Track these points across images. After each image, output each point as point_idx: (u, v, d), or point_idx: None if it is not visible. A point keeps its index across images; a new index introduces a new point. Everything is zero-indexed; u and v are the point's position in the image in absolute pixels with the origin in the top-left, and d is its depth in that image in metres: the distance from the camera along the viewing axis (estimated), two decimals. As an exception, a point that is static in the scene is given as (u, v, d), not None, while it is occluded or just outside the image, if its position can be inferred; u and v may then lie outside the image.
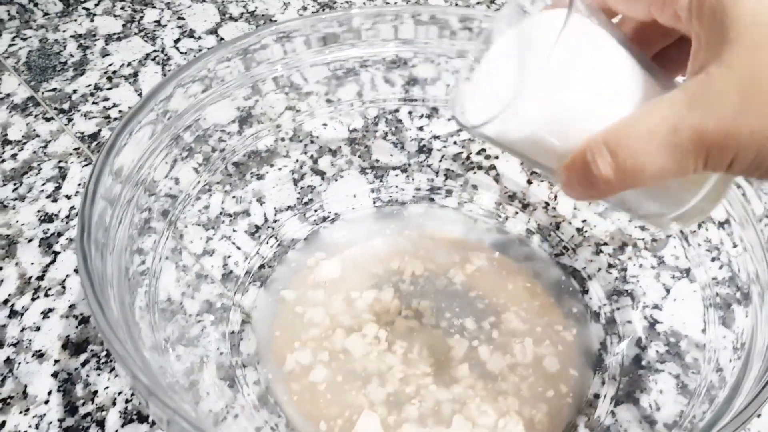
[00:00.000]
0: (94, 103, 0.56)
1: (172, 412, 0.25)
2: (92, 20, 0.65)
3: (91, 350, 0.40)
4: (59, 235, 0.46)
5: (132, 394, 0.38)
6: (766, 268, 0.36)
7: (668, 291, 0.43)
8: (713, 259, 0.41)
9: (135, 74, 0.59)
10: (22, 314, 0.42)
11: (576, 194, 0.26)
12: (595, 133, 0.25)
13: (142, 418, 0.37)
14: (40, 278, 0.44)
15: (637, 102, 0.25)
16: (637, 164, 0.24)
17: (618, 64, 0.26)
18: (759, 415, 0.40)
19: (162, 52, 0.62)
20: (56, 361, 0.40)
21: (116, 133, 0.36)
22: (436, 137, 0.53)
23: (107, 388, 0.39)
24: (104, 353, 0.40)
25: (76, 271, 0.44)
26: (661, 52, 0.29)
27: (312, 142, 0.51)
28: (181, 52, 0.62)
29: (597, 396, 0.39)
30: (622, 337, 0.42)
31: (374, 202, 0.50)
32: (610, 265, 0.45)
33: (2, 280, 0.44)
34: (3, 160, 0.51)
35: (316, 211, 0.49)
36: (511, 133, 0.26)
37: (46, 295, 0.43)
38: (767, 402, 0.29)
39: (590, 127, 0.25)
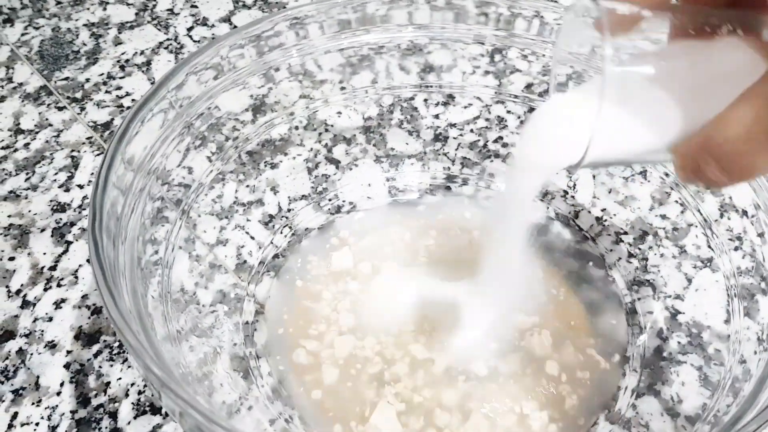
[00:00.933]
0: (106, 92, 0.56)
1: (185, 404, 0.24)
2: (105, 8, 0.64)
3: (104, 341, 0.40)
4: (72, 224, 0.46)
5: (145, 386, 0.38)
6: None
7: (690, 281, 0.43)
8: (736, 248, 0.40)
9: (148, 63, 0.59)
10: (34, 304, 0.42)
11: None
12: (691, 141, 0.24)
13: (155, 410, 0.37)
14: (53, 268, 0.43)
15: (717, 99, 0.24)
16: (744, 165, 0.23)
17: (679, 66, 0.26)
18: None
19: (175, 40, 0.61)
20: (68, 352, 0.39)
21: (128, 120, 0.35)
22: (452, 125, 0.52)
23: (120, 379, 0.38)
24: (117, 344, 0.40)
25: (88, 261, 0.44)
26: None
27: (326, 130, 0.51)
28: (194, 41, 0.61)
29: (618, 388, 0.39)
30: (644, 328, 0.41)
31: (389, 191, 0.49)
32: (630, 255, 0.45)
33: (15, 271, 0.43)
34: (15, 150, 0.51)
35: (330, 200, 0.48)
36: (606, 159, 0.28)
37: (59, 285, 0.42)
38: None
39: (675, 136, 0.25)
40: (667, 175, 0.44)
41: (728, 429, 0.31)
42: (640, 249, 0.45)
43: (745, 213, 0.40)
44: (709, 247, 0.42)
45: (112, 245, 0.30)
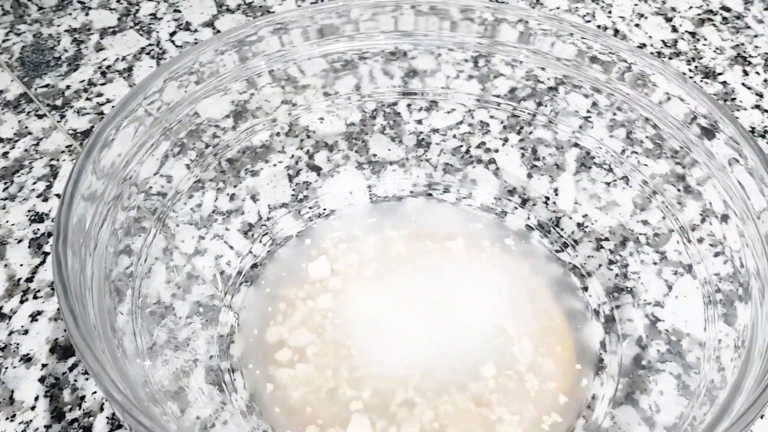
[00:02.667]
0: (87, 99, 0.55)
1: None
2: (87, 14, 0.64)
3: (80, 354, 0.40)
4: (50, 235, 0.46)
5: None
6: (767, 263, 0.35)
7: (670, 288, 0.42)
8: (716, 255, 0.40)
9: (129, 69, 0.58)
10: (10, 317, 0.41)
11: None
12: None
13: (130, 424, 0.37)
14: (29, 280, 0.43)
15: None
16: None
17: None
18: (762, 416, 0.39)
19: (157, 45, 0.61)
20: (44, 366, 0.39)
21: (100, 128, 0.35)
22: (435, 131, 0.52)
23: (95, 393, 0.38)
24: (92, 357, 0.39)
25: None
26: None
27: (308, 136, 0.50)
28: (176, 46, 0.61)
29: (594, 397, 0.38)
30: (622, 336, 0.41)
31: (371, 198, 0.49)
32: (610, 262, 0.44)
33: (-9, 282, 0.43)
34: (-5, 159, 0.50)
35: (311, 208, 0.48)
36: None
37: (35, 297, 0.42)
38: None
39: None
40: (645, 183, 0.44)
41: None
42: (620, 255, 0.45)
43: (724, 219, 0.40)
44: (690, 253, 0.42)
45: (78, 259, 0.30)
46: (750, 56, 0.61)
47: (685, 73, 0.59)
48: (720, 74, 0.59)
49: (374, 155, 0.51)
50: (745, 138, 0.37)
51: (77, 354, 0.25)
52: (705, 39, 0.63)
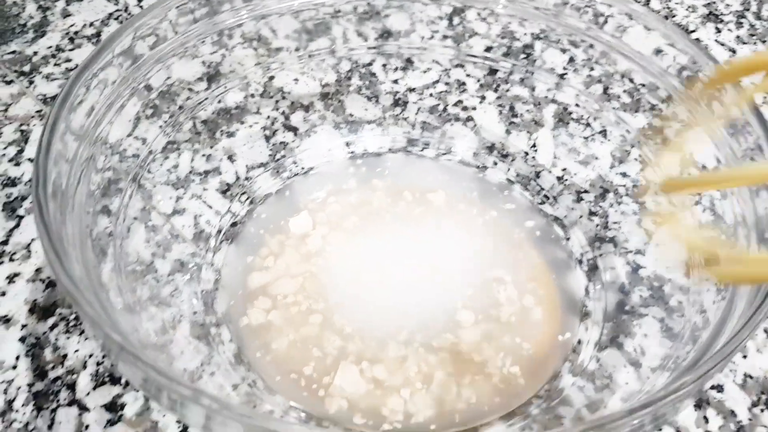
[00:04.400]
0: (56, 64, 0.54)
1: (146, 367, 0.23)
2: (52, -20, 0.62)
3: (60, 314, 0.39)
4: (23, 199, 0.45)
5: (104, 357, 0.37)
6: (753, 209, 0.35)
7: (651, 236, 0.43)
8: (697, 203, 0.40)
9: (98, 34, 0.57)
10: (-14, 280, 0.40)
11: None
12: None
13: (115, 380, 0.36)
14: (5, 243, 0.42)
15: None
16: None
17: None
18: (745, 356, 0.39)
19: (125, 11, 0.59)
20: (23, 326, 0.38)
21: (68, 86, 0.34)
22: (411, 90, 0.51)
23: (77, 351, 0.37)
24: (73, 316, 0.39)
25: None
26: None
27: (283, 97, 0.50)
28: (145, 11, 0.59)
29: (579, 341, 0.39)
30: (605, 283, 0.41)
31: (349, 156, 0.49)
32: (591, 213, 0.45)
33: (-35, 247, 0.42)
34: (-38, 125, 0.49)
35: (289, 167, 0.47)
36: None
37: (11, 259, 0.41)
38: (749, 339, 0.29)
39: None
40: (623, 136, 0.44)
41: (685, 373, 0.31)
42: (600, 207, 0.45)
43: (704, 167, 0.40)
44: (670, 202, 0.42)
45: (59, 213, 0.29)
46: (722, 14, 0.61)
47: (657, 31, 0.59)
48: (693, 32, 0.60)
49: (351, 115, 0.50)
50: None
51: (67, 297, 0.25)
52: (677, -3, 0.63)
